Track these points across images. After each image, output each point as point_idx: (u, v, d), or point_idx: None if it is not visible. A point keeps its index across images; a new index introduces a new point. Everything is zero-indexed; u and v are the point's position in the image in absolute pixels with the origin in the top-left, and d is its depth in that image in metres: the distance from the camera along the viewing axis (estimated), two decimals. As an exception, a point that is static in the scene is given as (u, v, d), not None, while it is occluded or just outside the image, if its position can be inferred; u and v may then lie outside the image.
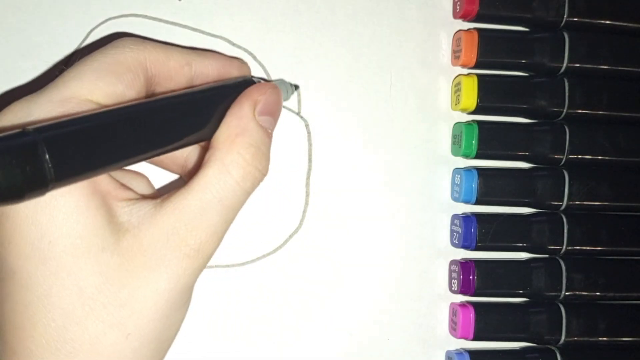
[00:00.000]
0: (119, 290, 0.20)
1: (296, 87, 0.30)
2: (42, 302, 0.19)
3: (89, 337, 0.19)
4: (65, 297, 0.19)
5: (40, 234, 0.19)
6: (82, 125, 0.19)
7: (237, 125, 0.22)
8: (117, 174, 0.24)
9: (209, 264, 0.32)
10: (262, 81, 0.26)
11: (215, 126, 0.23)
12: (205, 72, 0.25)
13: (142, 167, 0.27)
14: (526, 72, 0.33)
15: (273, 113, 0.24)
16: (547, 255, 0.33)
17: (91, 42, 0.31)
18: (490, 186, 0.32)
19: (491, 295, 0.33)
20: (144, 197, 0.22)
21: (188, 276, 0.21)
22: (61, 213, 0.19)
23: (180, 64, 0.24)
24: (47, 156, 0.17)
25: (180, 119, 0.22)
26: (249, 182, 0.22)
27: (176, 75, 0.24)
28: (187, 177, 0.27)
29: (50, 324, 0.19)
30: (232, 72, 0.26)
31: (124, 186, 0.22)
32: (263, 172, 0.23)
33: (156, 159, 0.27)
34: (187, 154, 0.26)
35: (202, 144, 0.26)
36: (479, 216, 0.32)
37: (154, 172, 0.28)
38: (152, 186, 0.26)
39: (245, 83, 0.25)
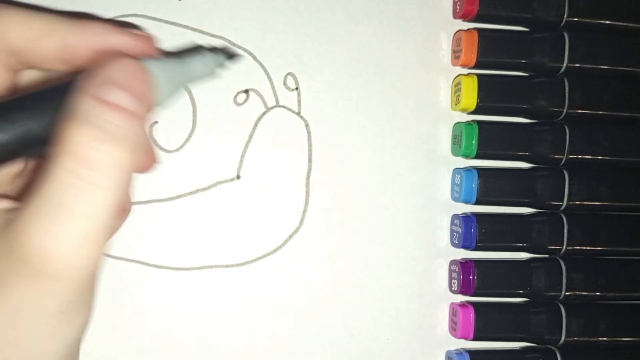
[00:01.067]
0: None
1: (231, 56, 0.24)
2: None
3: None
4: None
5: None
6: None
7: (76, 114, 0.17)
8: None
9: (209, 264, 0.32)
10: None
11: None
12: (78, 46, 0.20)
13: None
14: (526, 72, 0.33)
15: (129, 88, 0.18)
16: (547, 255, 0.33)
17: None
18: (490, 186, 0.32)
19: (491, 295, 0.33)
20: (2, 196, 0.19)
21: (45, 304, 0.17)
22: None
23: (42, 33, 0.19)
24: None
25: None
26: (113, 190, 0.17)
27: (41, 49, 0.19)
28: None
29: None
30: (114, 43, 0.20)
31: None
32: (139, 167, 0.18)
33: None
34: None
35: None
36: (479, 216, 0.32)
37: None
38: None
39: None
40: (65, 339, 0.18)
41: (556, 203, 0.33)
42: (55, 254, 0.16)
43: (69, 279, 0.17)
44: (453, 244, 0.33)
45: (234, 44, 0.32)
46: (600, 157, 0.33)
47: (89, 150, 0.16)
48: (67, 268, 0.17)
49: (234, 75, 0.32)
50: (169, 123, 0.31)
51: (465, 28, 0.33)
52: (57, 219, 0.16)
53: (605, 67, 0.33)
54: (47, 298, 0.17)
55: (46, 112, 0.18)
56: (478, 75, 0.32)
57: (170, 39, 0.31)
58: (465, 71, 0.33)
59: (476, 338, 0.32)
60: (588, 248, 0.33)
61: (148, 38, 0.21)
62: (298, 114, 0.32)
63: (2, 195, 0.19)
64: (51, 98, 0.18)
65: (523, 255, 0.34)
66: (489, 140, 0.32)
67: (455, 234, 0.33)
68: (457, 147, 0.33)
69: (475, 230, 0.32)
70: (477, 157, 0.32)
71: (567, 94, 0.32)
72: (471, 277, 0.32)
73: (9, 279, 0.17)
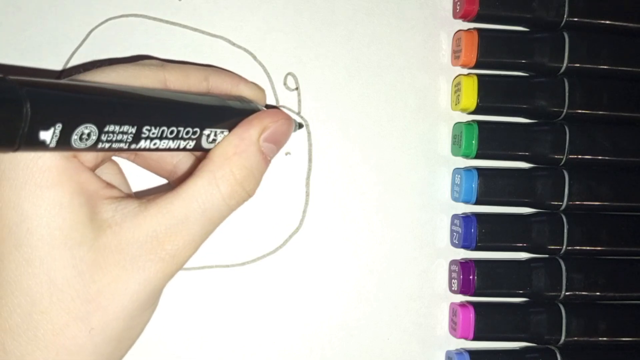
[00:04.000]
0: (88, 285, 0.20)
1: (300, 125, 0.30)
2: (10, 286, 0.19)
3: (52, 327, 0.20)
4: (35, 285, 0.19)
5: (20, 219, 0.19)
6: (72, 87, 0.19)
7: (237, 145, 0.23)
8: (103, 174, 0.24)
9: (209, 264, 0.32)
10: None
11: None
12: (220, 87, 0.25)
13: (132, 169, 0.27)
14: (526, 72, 0.33)
15: (278, 142, 0.24)
16: (547, 255, 0.33)
17: (91, 42, 0.31)
18: (490, 186, 0.32)
19: (491, 295, 0.33)
20: (131, 196, 0.22)
21: (159, 280, 0.21)
22: (44, 204, 0.19)
23: (198, 79, 0.25)
24: (27, 108, 0.16)
25: (181, 115, 0.22)
26: (234, 200, 0.22)
27: (195, 90, 0.25)
28: (174, 183, 0.27)
29: (15, 309, 0.19)
30: (245, 91, 0.26)
31: (111, 185, 0.22)
32: (250, 194, 0.23)
33: (144, 161, 0.27)
34: (177, 161, 0.27)
35: (198, 154, 0.26)
36: (479, 216, 0.32)
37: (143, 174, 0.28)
38: (127, 184, 0.26)
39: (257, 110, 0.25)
40: (147, 320, 0.22)
41: (556, 203, 0.33)
42: (184, 243, 0.21)
43: (182, 264, 0.22)
44: (453, 244, 0.33)
45: (234, 44, 0.32)
46: (600, 157, 0.33)
47: (231, 176, 0.22)
48: (186, 256, 0.22)
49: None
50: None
51: (465, 28, 0.33)
52: (193, 218, 0.21)
53: (605, 67, 0.33)
54: (167, 277, 0.21)
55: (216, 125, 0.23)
56: (478, 75, 0.32)
57: (170, 39, 0.31)
58: (465, 71, 0.33)
59: (476, 338, 0.32)
60: (588, 248, 0.33)
61: (260, 87, 0.27)
62: (298, 114, 0.32)
63: (112, 185, 0.22)
64: (228, 118, 0.23)
65: (523, 255, 0.34)
66: (489, 140, 0.32)
67: (455, 234, 0.33)
68: (457, 147, 0.33)
69: (475, 230, 0.32)
70: (477, 157, 0.32)
71: (567, 94, 0.32)
72: (471, 277, 0.32)
73: (139, 257, 0.20)
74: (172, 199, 0.21)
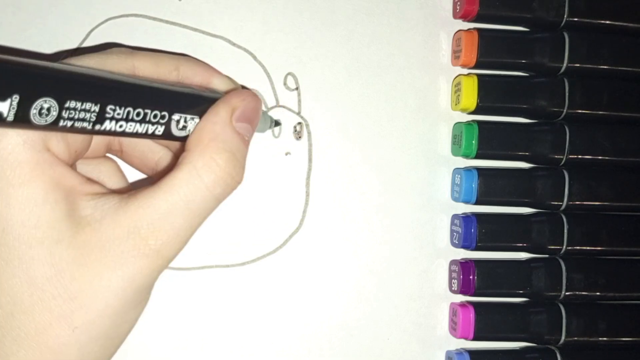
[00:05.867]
0: (69, 283, 0.19)
1: (277, 123, 0.30)
2: None
3: (35, 327, 0.19)
4: (15, 285, 0.19)
5: None
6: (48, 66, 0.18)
7: (211, 130, 0.22)
8: (90, 168, 0.24)
9: (209, 264, 0.32)
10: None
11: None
12: (192, 78, 0.25)
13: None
14: (526, 72, 0.33)
15: (251, 120, 0.23)
16: (547, 255, 0.33)
17: (91, 42, 0.31)
18: (490, 186, 0.32)
19: (491, 295, 0.33)
20: (114, 192, 0.22)
21: (145, 276, 0.20)
22: (17, 202, 0.19)
23: (168, 69, 0.24)
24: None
25: (148, 98, 0.21)
26: (220, 188, 0.21)
27: (165, 79, 0.24)
28: (157, 179, 0.27)
29: None
30: (215, 82, 0.26)
31: (91, 180, 0.22)
32: (237, 180, 0.22)
33: (128, 157, 0.26)
34: (158, 158, 0.26)
35: (175, 150, 0.26)
36: (479, 216, 0.32)
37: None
38: (126, 180, 0.26)
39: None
40: (136, 318, 0.22)
41: (556, 203, 0.33)
42: (168, 237, 0.20)
43: (169, 260, 0.21)
44: (453, 244, 0.33)
45: (234, 44, 0.32)
46: (600, 157, 0.33)
47: (213, 163, 0.21)
48: (173, 251, 0.21)
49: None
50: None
51: (465, 28, 0.33)
52: (176, 212, 0.20)
53: (605, 67, 0.33)
54: (154, 273, 0.21)
55: (189, 112, 0.22)
56: (478, 75, 0.32)
57: (170, 39, 0.31)
58: (465, 71, 0.33)
59: (476, 338, 0.32)
60: (588, 248, 0.33)
61: (231, 79, 0.26)
62: (298, 114, 0.32)
63: (93, 180, 0.22)
64: (198, 104, 0.23)
65: (523, 255, 0.34)
66: (489, 140, 0.32)
67: (455, 234, 0.33)
68: (457, 147, 0.33)
69: (475, 230, 0.32)
70: (477, 157, 0.32)
71: (567, 94, 0.32)
72: (471, 277, 0.32)
73: (122, 254, 0.20)
74: (153, 193, 0.20)
